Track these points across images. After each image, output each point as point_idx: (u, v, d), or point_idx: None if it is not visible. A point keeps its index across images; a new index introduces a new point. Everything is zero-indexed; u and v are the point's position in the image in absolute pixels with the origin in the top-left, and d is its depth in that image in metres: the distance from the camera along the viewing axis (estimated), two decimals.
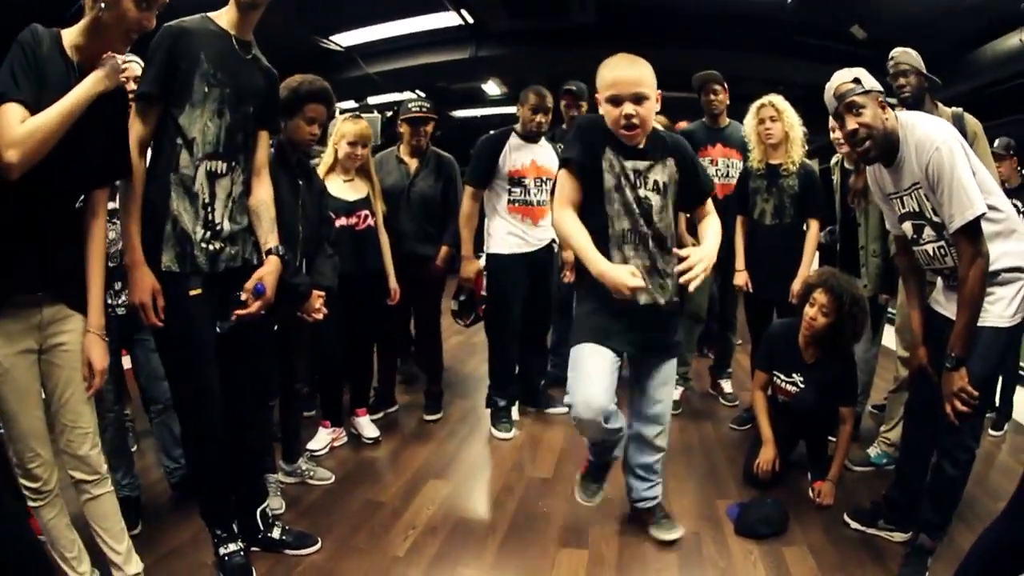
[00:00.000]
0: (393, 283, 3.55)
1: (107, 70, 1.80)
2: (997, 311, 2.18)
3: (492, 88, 8.51)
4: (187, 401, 2.19)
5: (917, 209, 2.25)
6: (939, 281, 2.45)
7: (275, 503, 2.73)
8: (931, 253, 2.30)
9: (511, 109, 3.84)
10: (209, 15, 2.15)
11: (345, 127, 3.34)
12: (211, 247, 2.13)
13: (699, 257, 2.13)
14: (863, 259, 3.47)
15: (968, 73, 5.55)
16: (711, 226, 2.40)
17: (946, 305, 2.36)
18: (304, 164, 2.91)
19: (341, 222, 3.28)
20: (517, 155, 3.64)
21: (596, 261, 2.15)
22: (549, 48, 7.05)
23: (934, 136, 2.10)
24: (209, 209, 2.12)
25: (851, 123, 2.21)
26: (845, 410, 3.03)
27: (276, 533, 2.47)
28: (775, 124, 3.51)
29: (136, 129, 2.04)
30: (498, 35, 6.94)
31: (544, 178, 3.68)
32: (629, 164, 2.31)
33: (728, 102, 4.13)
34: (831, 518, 2.79)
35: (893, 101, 2.41)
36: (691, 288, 2.17)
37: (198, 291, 2.10)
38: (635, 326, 2.34)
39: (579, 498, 2.63)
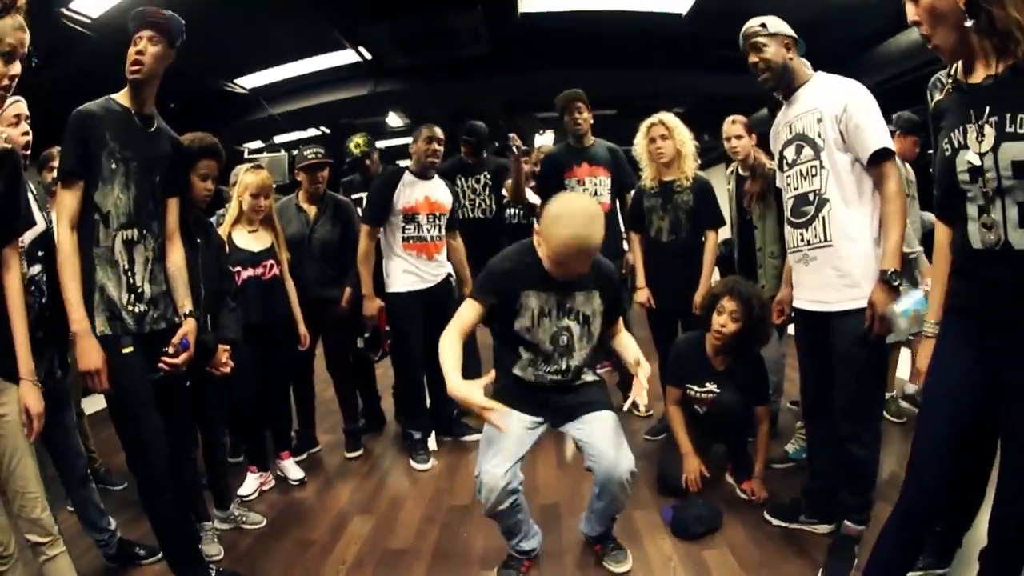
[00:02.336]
0: (302, 329, 3.63)
1: None
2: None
3: (394, 120, 8.64)
4: (140, 451, 2.29)
5: (801, 131, 2.44)
6: (795, 274, 2.59)
7: (212, 550, 2.82)
8: (803, 173, 2.44)
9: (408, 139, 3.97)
10: (112, 96, 2.31)
11: (247, 178, 3.40)
12: (136, 309, 2.30)
13: (645, 377, 2.32)
14: (760, 260, 3.59)
15: (872, 67, 5.79)
16: (629, 341, 2.57)
17: (805, 294, 2.51)
18: (201, 221, 2.97)
19: (248, 273, 3.36)
20: (410, 192, 3.74)
21: (449, 381, 2.11)
22: (446, 80, 7.23)
23: (854, 82, 2.37)
24: (130, 274, 2.28)
25: (752, 58, 2.48)
26: (760, 409, 3.15)
27: None
28: (666, 142, 3.60)
29: (66, 205, 2.18)
30: (395, 71, 7.07)
31: (437, 213, 3.80)
32: (553, 297, 2.39)
33: (592, 121, 4.18)
34: (751, 517, 2.87)
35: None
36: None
37: (130, 348, 2.25)
38: (550, 398, 2.50)
39: None
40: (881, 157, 2.28)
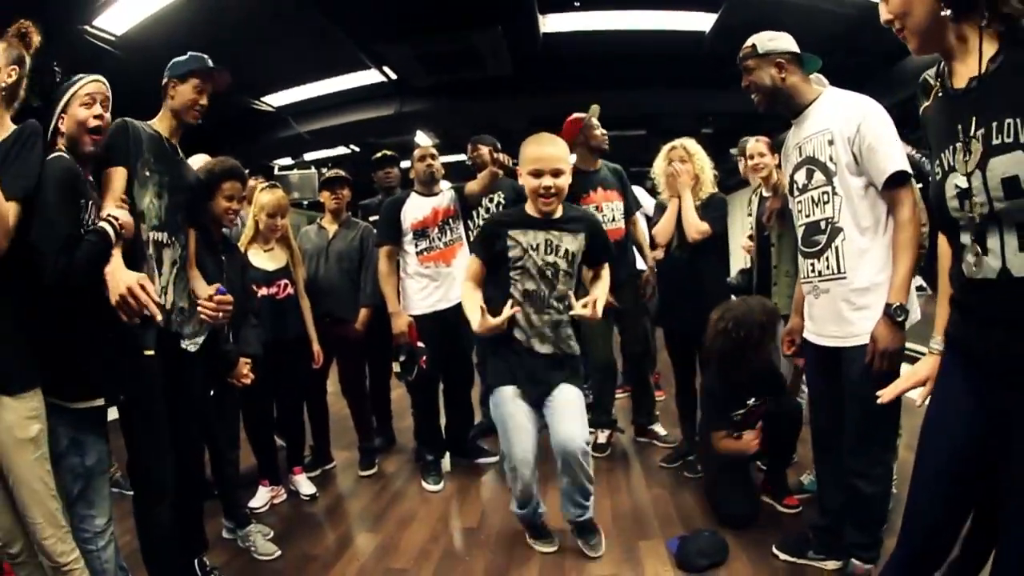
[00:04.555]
0: (316, 347, 3.68)
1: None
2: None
3: (422, 139, 8.69)
4: (149, 453, 2.26)
5: (812, 154, 2.32)
6: (806, 305, 2.49)
7: (268, 548, 3.01)
8: (814, 199, 2.34)
9: (444, 158, 3.95)
10: (147, 122, 2.42)
11: (263, 198, 3.48)
12: (167, 307, 2.35)
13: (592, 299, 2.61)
14: (775, 277, 3.51)
15: (900, 82, 5.62)
16: (602, 278, 2.86)
17: (816, 327, 2.42)
18: (227, 240, 3.09)
19: (262, 292, 3.42)
20: (417, 211, 3.74)
21: (471, 317, 2.62)
22: (470, 99, 7.28)
23: (867, 99, 2.26)
24: (157, 273, 2.33)
25: (744, 80, 2.44)
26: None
27: None
28: (685, 165, 3.62)
29: (118, 181, 2.18)
30: (420, 90, 7.14)
31: (448, 218, 3.78)
32: (541, 235, 2.71)
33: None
34: (758, 552, 2.78)
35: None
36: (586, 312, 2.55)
37: (151, 352, 2.25)
38: (537, 372, 2.72)
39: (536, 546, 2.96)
40: (896, 182, 2.14)
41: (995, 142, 1.33)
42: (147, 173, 2.31)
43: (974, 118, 1.38)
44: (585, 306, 2.59)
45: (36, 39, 1.96)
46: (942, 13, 1.41)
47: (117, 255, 2.03)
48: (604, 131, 4.04)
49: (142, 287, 1.98)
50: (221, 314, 2.53)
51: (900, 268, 2.16)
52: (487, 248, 2.74)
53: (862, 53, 5.63)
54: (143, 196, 2.29)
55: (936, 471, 1.65)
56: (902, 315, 2.12)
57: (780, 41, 2.39)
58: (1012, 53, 1.34)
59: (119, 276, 1.99)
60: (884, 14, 1.55)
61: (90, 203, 2.06)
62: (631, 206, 4.15)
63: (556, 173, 2.62)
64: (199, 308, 2.51)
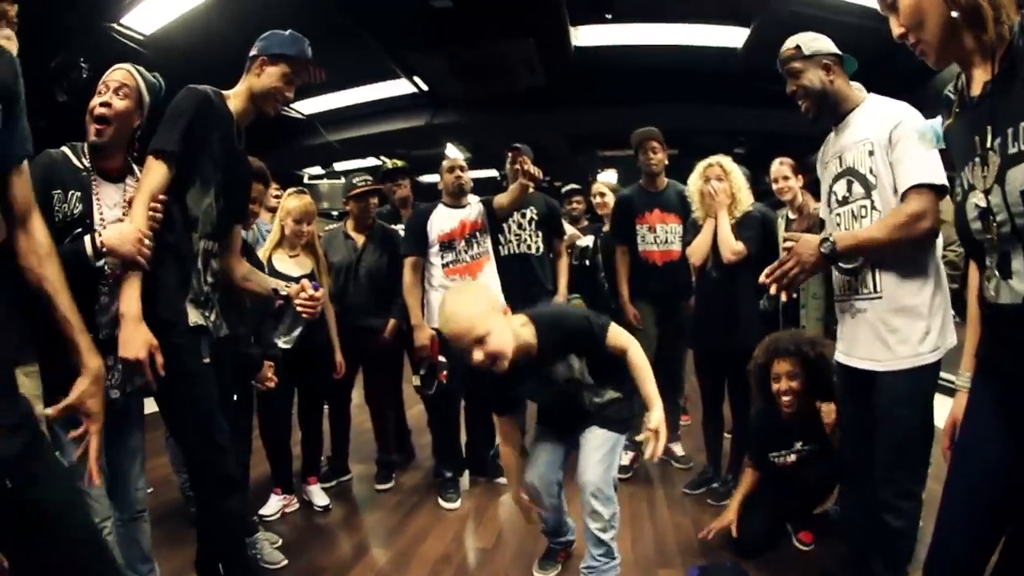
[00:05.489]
0: (339, 356, 3.63)
1: None
2: (928, 344, 2.07)
3: (453, 151, 8.67)
4: (216, 454, 2.15)
5: (852, 165, 2.19)
6: (840, 325, 2.35)
7: (275, 557, 2.95)
8: (853, 213, 2.20)
9: (474, 173, 3.90)
10: (223, 93, 2.22)
11: (290, 203, 3.45)
12: (211, 316, 2.24)
13: (655, 427, 2.21)
14: (803, 299, 3.45)
15: (929, 102, 5.58)
16: (641, 374, 2.36)
17: (849, 348, 2.26)
18: (244, 240, 3.01)
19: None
20: (444, 222, 3.69)
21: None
22: (502, 112, 7.26)
23: (904, 107, 2.13)
24: (204, 285, 2.21)
25: (790, 85, 2.28)
26: None
27: None
28: (721, 184, 3.51)
29: (159, 176, 2.00)
30: (452, 102, 7.14)
31: (475, 231, 3.71)
32: (533, 381, 2.43)
33: (667, 161, 4.13)
34: None
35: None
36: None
37: (207, 359, 2.19)
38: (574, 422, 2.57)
39: (535, 572, 2.84)
40: (913, 190, 1.99)
41: (1011, 151, 1.23)
42: (211, 169, 2.13)
43: (989, 127, 1.29)
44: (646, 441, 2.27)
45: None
46: (952, 14, 1.32)
47: (135, 298, 1.88)
48: (654, 155, 4.05)
49: (151, 356, 1.88)
50: (318, 308, 2.46)
51: (866, 231, 2.07)
52: (508, 407, 2.60)
53: (897, 70, 5.53)
54: (203, 199, 2.12)
55: (966, 496, 1.54)
56: (827, 248, 2.02)
57: (823, 42, 2.28)
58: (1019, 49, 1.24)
59: (133, 335, 1.86)
60: (896, 28, 1.47)
61: (70, 193, 1.97)
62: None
63: (478, 342, 2.14)
64: (297, 304, 2.41)
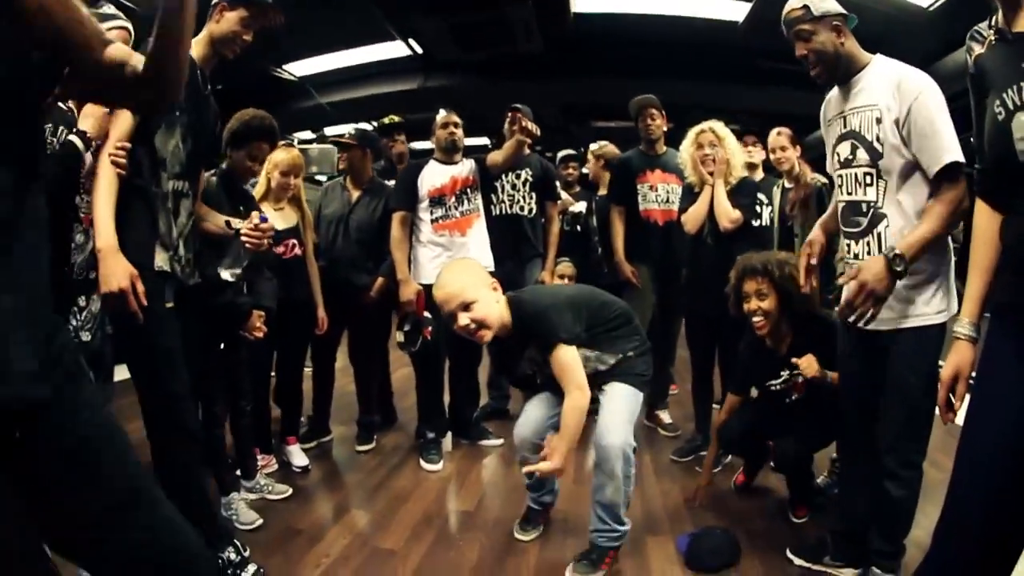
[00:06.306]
0: (321, 312, 3.55)
1: None
2: (935, 305, 2.08)
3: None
4: (175, 405, 2.15)
5: (857, 129, 2.16)
6: (845, 290, 2.23)
7: (249, 516, 2.87)
8: (857, 178, 2.17)
9: (466, 140, 3.83)
10: None
11: (277, 156, 3.35)
12: (181, 258, 2.25)
13: (556, 454, 2.29)
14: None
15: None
16: (566, 419, 2.36)
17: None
18: (245, 192, 3.04)
19: None
20: (435, 177, 3.65)
21: None
22: (497, 78, 7.15)
23: (922, 76, 2.07)
24: (174, 226, 2.22)
25: (800, 49, 2.18)
26: None
27: None
28: (715, 150, 3.51)
29: (124, 126, 2.06)
30: (446, 65, 7.02)
31: (466, 187, 3.67)
32: (527, 362, 2.58)
33: (665, 128, 4.12)
34: (772, 555, 2.61)
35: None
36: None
37: (170, 304, 2.18)
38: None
39: (516, 533, 2.81)
40: (949, 174, 1.96)
41: None
42: (176, 113, 2.16)
43: None
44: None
45: None
46: None
47: (111, 232, 1.94)
48: (652, 121, 4.05)
49: (134, 287, 1.92)
50: (266, 242, 2.49)
51: (922, 228, 1.98)
52: (524, 384, 2.79)
53: (900, 52, 5.48)
54: (168, 140, 2.15)
55: (992, 449, 1.43)
56: (900, 265, 1.93)
57: (831, 1, 2.19)
58: None
59: (113, 267, 1.91)
60: None
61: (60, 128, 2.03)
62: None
63: (465, 307, 2.34)
64: (244, 235, 2.45)
